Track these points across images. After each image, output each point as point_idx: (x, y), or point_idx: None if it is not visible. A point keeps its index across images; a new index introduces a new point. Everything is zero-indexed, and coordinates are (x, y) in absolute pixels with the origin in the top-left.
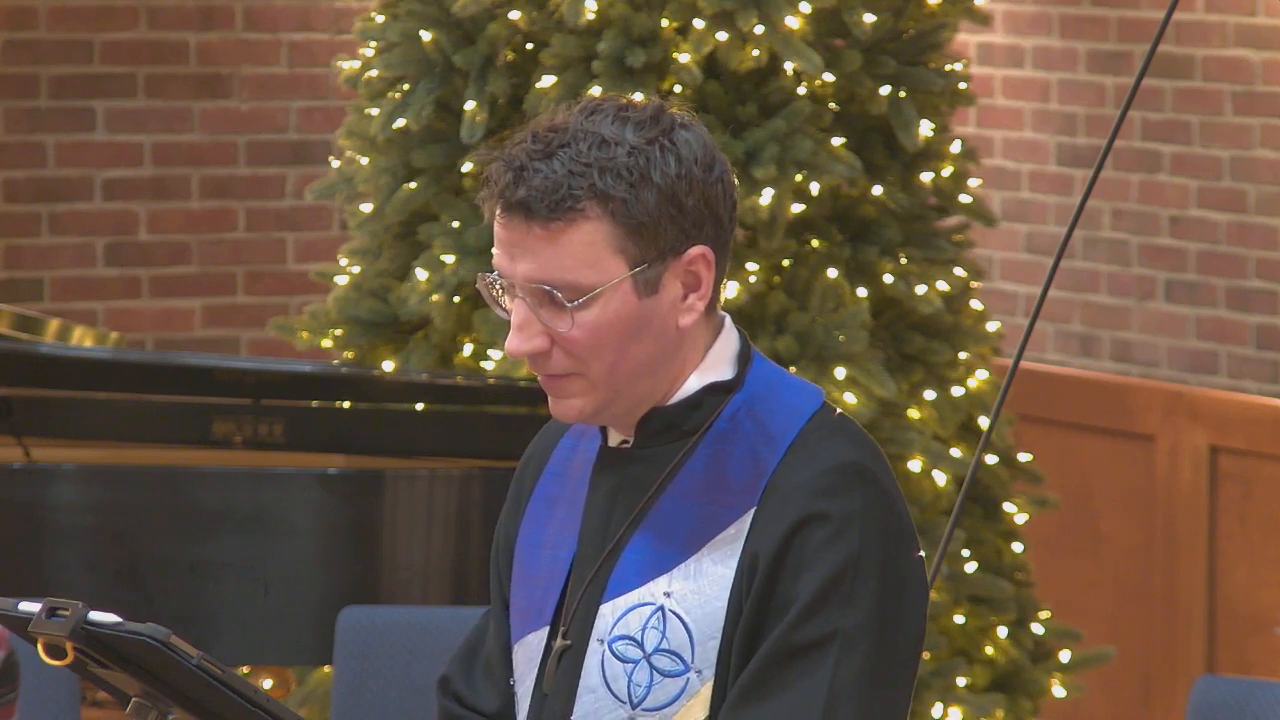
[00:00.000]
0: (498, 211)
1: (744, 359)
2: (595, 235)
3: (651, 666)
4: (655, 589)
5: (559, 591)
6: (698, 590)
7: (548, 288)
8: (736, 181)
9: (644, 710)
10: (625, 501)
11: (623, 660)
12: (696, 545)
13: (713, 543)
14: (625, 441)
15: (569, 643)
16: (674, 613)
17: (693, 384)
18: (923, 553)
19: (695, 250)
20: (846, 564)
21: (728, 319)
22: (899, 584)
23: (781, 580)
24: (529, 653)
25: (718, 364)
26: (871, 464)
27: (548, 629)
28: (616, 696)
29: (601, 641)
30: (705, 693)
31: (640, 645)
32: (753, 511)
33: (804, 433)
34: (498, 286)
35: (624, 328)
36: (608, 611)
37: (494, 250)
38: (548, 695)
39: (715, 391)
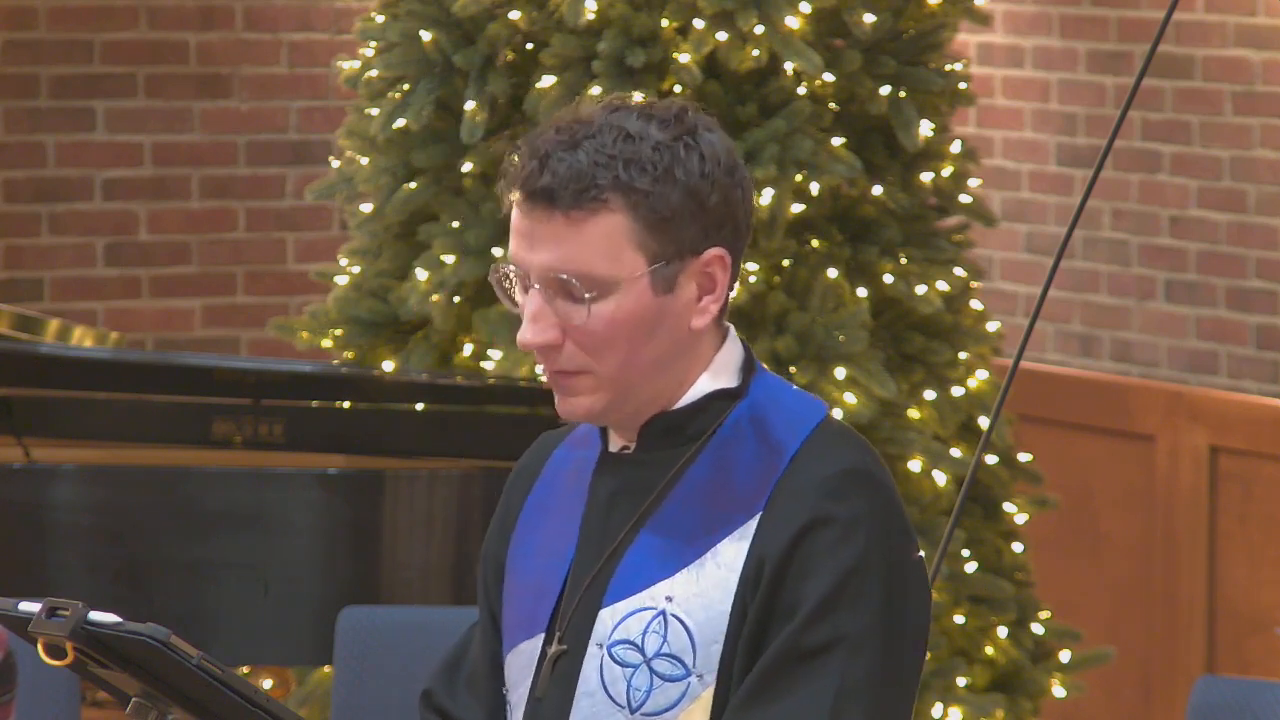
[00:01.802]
0: (518, 200)
1: (748, 368)
2: (616, 227)
3: (651, 671)
4: (657, 593)
5: (555, 598)
6: (701, 594)
7: (565, 277)
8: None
9: (643, 715)
10: (626, 505)
11: (622, 665)
12: (701, 549)
13: (717, 547)
14: (626, 447)
15: (564, 648)
16: (676, 616)
17: (699, 389)
18: (922, 553)
19: (713, 252)
20: (852, 568)
21: (732, 328)
22: (903, 586)
23: (787, 584)
24: (523, 660)
25: (724, 371)
26: (875, 469)
27: (543, 635)
28: (615, 701)
29: (600, 646)
30: (706, 697)
31: (640, 649)
32: (759, 516)
33: (809, 441)
34: (511, 278)
35: (638, 324)
36: (607, 616)
37: (511, 241)
38: (541, 700)
39: (720, 398)
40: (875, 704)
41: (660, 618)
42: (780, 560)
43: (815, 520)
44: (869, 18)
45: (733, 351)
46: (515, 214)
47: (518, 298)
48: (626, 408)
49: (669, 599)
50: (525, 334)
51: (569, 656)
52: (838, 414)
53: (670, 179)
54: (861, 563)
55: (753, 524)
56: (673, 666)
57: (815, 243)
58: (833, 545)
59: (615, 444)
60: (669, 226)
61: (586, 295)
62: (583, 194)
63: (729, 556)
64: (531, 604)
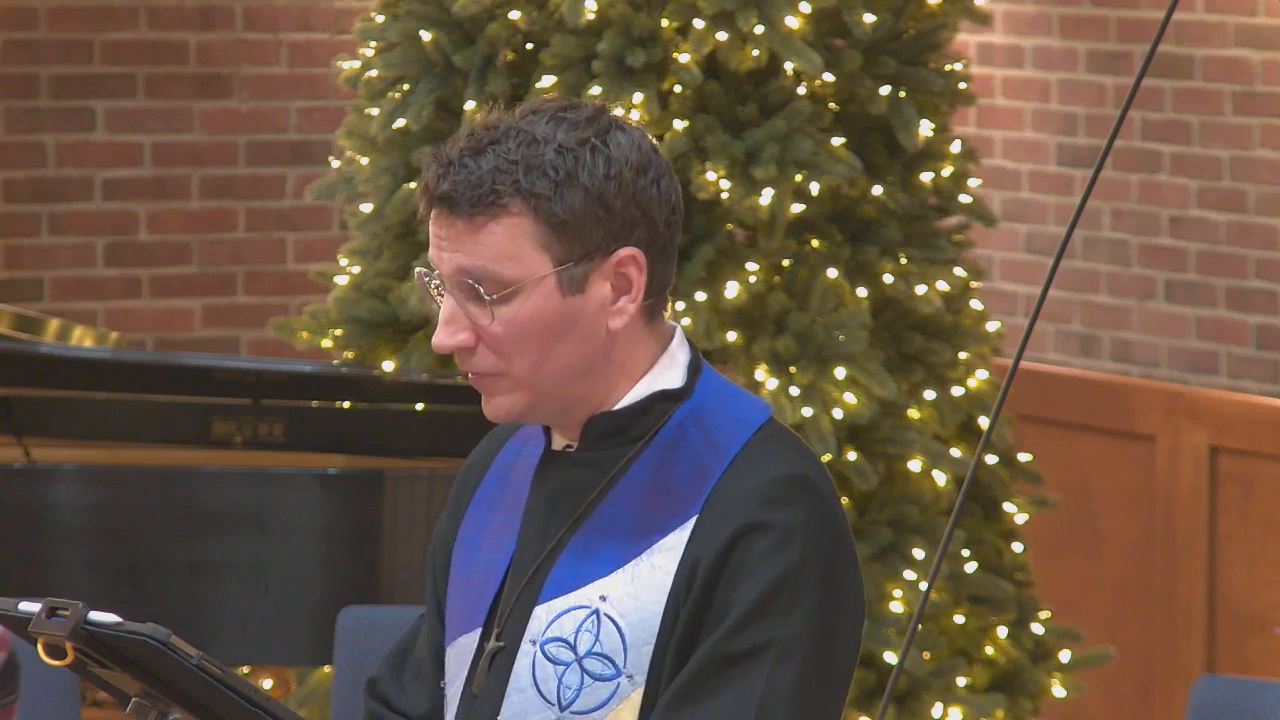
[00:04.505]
0: (425, 206)
1: (694, 369)
2: (518, 230)
3: (583, 669)
4: (591, 592)
5: (494, 594)
6: (635, 595)
7: (470, 280)
8: (730, 184)
9: (572, 713)
10: (566, 505)
11: (554, 662)
12: (636, 550)
13: (652, 548)
14: (569, 446)
15: (501, 644)
16: (609, 616)
17: (641, 390)
18: (860, 573)
19: (625, 252)
20: (786, 575)
21: (679, 328)
22: (837, 598)
23: (719, 588)
24: (461, 654)
25: (667, 372)
26: (815, 477)
27: (480, 630)
28: (545, 698)
29: (534, 643)
30: (636, 698)
31: (573, 648)
32: (694, 519)
33: (749, 444)
34: (433, 283)
35: (547, 326)
36: (542, 613)
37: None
38: (477, 696)
39: (663, 399)
40: (800, 713)
41: (594, 617)
42: (713, 564)
43: (750, 526)
44: (869, 18)
45: (678, 353)
46: (430, 219)
47: (439, 300)
48: (548, 408)
49: (603, 598)
50: (438, 337)
51: (505, 653)
52: (838, 414)
53: (572, 182)
54: (794, 570)
55: (689, 526)
56: (604, 666)
57: (815, 243)
58: (766, 552)
59: (559, 443)
60: (572, 229)
61: (490, 297)
62: (480, 200)
63: (664, 558)
64: (472, 599)
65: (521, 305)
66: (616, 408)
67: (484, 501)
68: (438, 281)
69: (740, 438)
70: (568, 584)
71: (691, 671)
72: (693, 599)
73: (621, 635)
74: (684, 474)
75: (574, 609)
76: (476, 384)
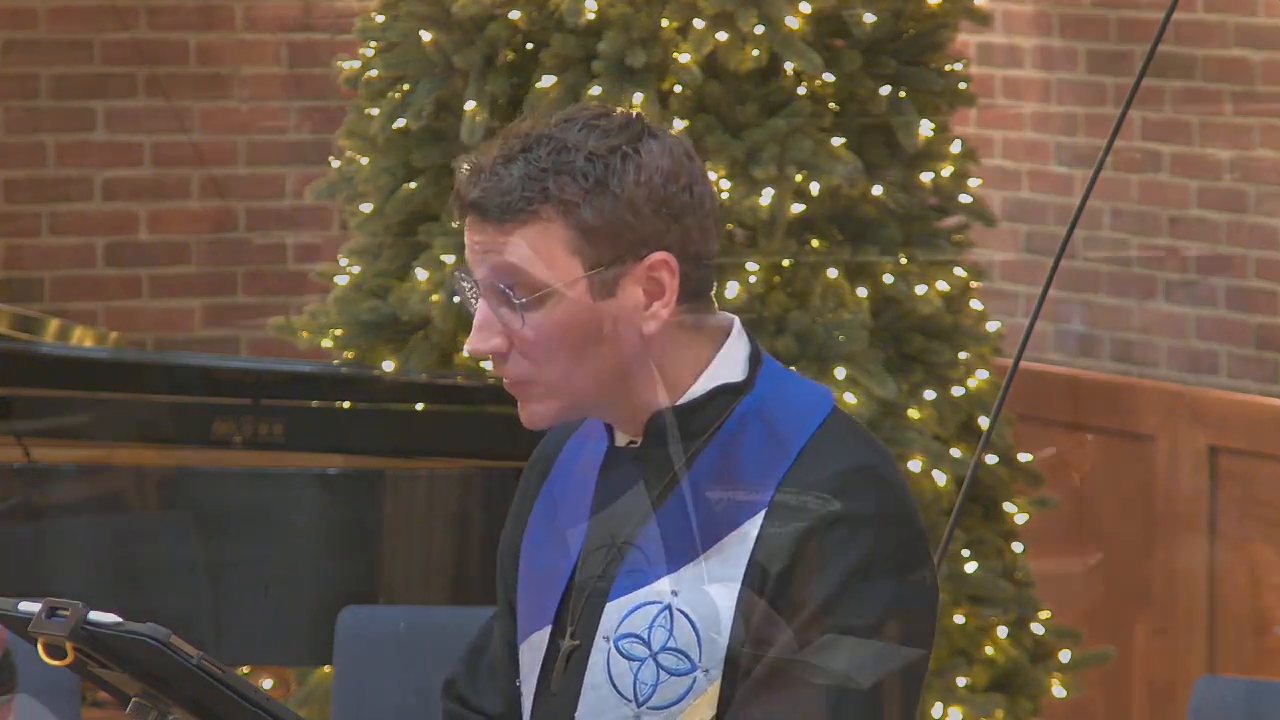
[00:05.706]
0: (458, 213)
1: (755, 361)
2: (549, 234)
3: (658, 665)
4: (662, 587)
5: (561, 590)
6: (705, 589)
7: (502, 285)
8: (730, 184)
9: (649, 709)
10: (632, 500)
11: (628, 658)
12: (706, 545)
13: (722, 543)
14: (632, 441)
15: (577, 642)
16: (681, 611)
17: (702, 385)
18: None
19: (656, 257)
20: (857, 567)
21: (736, 321)
22: (910, 586)
23: (793, 581)
24: (533, 651)
25: (727, 365)
26: (882, 467)
27: (550, 628)
28: (621, 694)
29: (607, 639)
30: (712, 692)
31: (646, 643)
32: (764, 512)
33: (816, 435)
34: (469, 288)
35: (578, 331)
36: (613, 609)
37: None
38: (555, 694)
39: (725, 393)
40: (876, 703)
41: (666, 612)
42: (785, 557)
43: (821, 518)
44: (869, 18)
45: (738, 346)
46: (464, 226)
47: (474, 306)
48: (585, 413)
49: (674, 594)
50: (472, 342)
51: (579, 650)
52: None
53: (602, 189)
54: (867, 562)
55: (758, 519)
56: (679, 661)
57: (815, 243)
58: (838, 544)
59: (621, 439)
60: (602, 234)
61: (520, 301)
62: (510, 206)
63: (734, 552)
64: (541, 596)
65: (552, 310)
66: (679, 403)
67: (549, 499)
68: (472, 286)
69: (805, 430)
70: (638, 580)
71: (767, 666)
72: (766, 593)
73: (695, 630)
74: (749, 467)
75: (645, 604)
76: (512, 390)
